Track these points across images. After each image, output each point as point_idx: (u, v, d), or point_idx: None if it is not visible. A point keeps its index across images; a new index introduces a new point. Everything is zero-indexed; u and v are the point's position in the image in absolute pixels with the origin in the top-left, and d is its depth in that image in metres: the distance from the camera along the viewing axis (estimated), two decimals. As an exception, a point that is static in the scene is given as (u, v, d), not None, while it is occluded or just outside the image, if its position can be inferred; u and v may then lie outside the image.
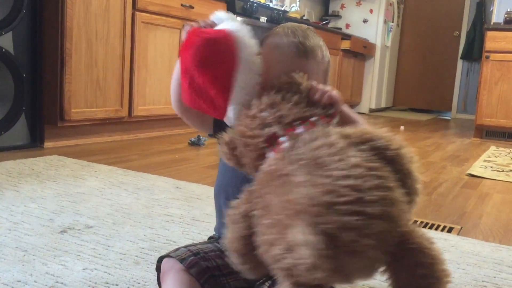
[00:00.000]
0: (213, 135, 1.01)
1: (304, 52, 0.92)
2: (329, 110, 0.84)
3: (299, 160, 0.72)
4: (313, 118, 0.81)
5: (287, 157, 0.74)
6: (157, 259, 0.99)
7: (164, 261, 0.95)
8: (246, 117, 0.84)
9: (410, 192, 0.75)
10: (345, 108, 0.90)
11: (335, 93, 0.86)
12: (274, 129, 0.80)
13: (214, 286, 0.91)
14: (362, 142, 0.75)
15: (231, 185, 0.98)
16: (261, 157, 0.80)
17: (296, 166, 0.71)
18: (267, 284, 0.93)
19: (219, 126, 0.95)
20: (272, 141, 0.80)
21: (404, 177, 0.74)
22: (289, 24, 0.98)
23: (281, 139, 0.79)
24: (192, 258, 0.92)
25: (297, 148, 0.75)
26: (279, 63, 0.91)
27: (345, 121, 0.88)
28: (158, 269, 0.98)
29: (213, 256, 0.95)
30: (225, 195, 0.99)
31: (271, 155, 0.78)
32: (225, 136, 0.85)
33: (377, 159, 0.72)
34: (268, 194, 0.73)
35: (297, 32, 0.94)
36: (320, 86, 0.86)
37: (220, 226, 1.03)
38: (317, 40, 0.96)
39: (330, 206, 0.64)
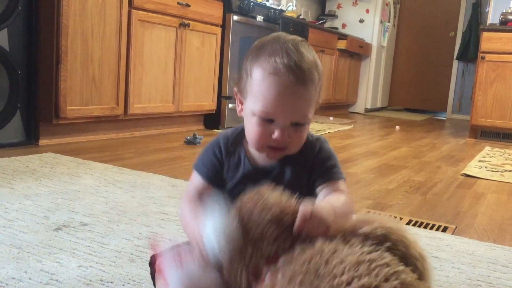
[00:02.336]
0: None
1: (302, 79, 0.86)
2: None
3: (294, 280, 0.66)
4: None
5: (278, 283, 0.68)
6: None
7: (159, 260, 0.94)
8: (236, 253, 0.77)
9: (419, 272, 0.72)
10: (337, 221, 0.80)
11: (323, 223, 0.76)
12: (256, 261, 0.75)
13: None
14: (353, 234, 0.72)
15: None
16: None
17: (295, 287, 0.65)
18: None
19: None
20: (256, 275, 0.75)
21: (407, 257, 0.72)
22: (280, 36, 0.91)
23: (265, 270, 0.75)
24: None
25: (285, 269, 0.69)
26: (276, 95, 0.85)
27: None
28: (151, 264, 0.97)
29: None
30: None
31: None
32: None
33: (373, 247, 0.69)
34: None
35: (290, 51, 0.86)
36: (305, 215, 0.76)
37: None
38: (311, 56, 0.89)
39: None
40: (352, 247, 0.68)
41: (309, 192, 0.95)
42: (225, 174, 0.96)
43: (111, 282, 1.09)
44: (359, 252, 0.67)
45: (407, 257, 0.72)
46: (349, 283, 0.61)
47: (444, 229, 1.71)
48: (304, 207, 0.77)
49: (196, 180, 0.97)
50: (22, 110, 2.60)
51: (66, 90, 2.66)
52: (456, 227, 1.75)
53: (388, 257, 0.67)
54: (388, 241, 0.72)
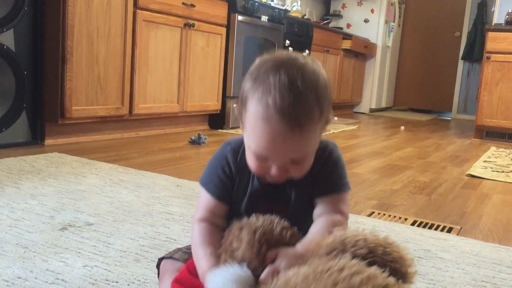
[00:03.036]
0: None
1: (297, 123, 0.76)
2: None
3: None
4: None
5: None
6: (157, 257, 0.99)
7: (163, 262, 0.95)
8: None
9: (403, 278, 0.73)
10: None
11: None
12: None
13: None
14: (330, 251, 0.71)
15: None
16: None
17: None
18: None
19: None
20: None
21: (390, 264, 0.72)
22: (280, 64, 0.79)
23: None
24: (191, 259, 0.92)
25: None
26: (269, 141, 0.78)
27: None
28: (158, 266, 0.98)
29: None
30: None
31: None
32: None
33: (357, 263, 0.68)
34: None
35: (285, 89, 0.76)
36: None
37: None
38: (311, 86, 0.78)
39: None
40: (331, 269, 0.67)
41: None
42: (235, 191, 0.90)
43: (116, 282, 1.09)
44: (316, 264, 0.66)
45: (396, 270, 0.72)
46: None
47: (449, 230, 1.71)
48: (273, 267, 0.74)
49: (205, 198, 0.90)
50: (28, 110, 2.62)
51: (71, 90, 2.67)
52: (461, 228, 1.75)
53: (344, 263, 0.66)
54: (373, 255, 0.72)
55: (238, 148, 0.90)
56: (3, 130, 2.50)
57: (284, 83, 0.76)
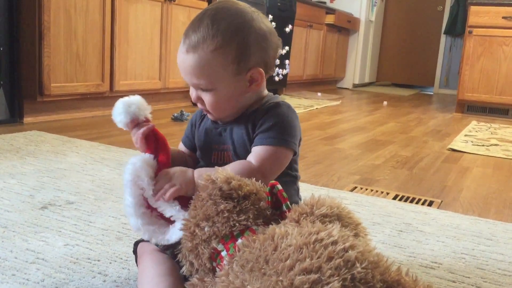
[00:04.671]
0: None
1: (189, 47, 0.90)
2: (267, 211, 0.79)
3: (246, 267, 0.66)
4: (254, 227, 0.76)
5: (232, 272, 0.68)
6: (139, 235, 0.98)
7: (140, 245, 0.94)
8: (187, 233, 0.81)
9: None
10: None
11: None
12: (214, 244, 0.77)
13: None
14: (309, 215, 0.74)
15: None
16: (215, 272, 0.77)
17: (245, 275, 0.65)
18: None
19: None
20: (215, 257, 0.77)
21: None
22: (216, 4, 0.95)
23: (223, 253, 0.76)
24: None
25: (240, 256, 0.70)
26: (178, 62, 0.93)
27: None
28: (135, 252, 0.97)
29: None
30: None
31: (219, 274, 0.72)
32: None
33: (324, 226, 0.69)
34: None
35: (196, 18, 0.92)
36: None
37: None
38: (221, 25, 0.89)
39: None
40: (303, 229, 0.68)
41: None
42: (197, 132, 1.04)
43: (98, 260, 1.08)
44: (306, 233, 0.66)
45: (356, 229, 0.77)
46: (291, 268, 0.61)
47: (430, 204, 1.73)
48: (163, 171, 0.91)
49: (180, 146, 1.10)
50: (5, 87, 2.56)
51: (49, 66, 2.62)
52: (442, 201, 1.77)
53: (337, 234, 0.66)
54: (341, 219, 0.75)
55: None
56: (-20, 108, 2.44)
57: (199, 15, 0.92)
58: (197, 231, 0.79)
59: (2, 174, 1.67)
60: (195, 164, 1.03)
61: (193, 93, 0.95)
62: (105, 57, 2.95)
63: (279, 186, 0.77)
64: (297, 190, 1.04)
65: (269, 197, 0.77)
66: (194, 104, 3.92)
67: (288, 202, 0.78)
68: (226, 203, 0.77)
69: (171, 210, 0.88)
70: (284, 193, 0.77)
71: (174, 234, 0.86)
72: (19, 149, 2.02)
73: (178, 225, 0.85)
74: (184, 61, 0.91)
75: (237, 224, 0.76)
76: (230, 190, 0.78)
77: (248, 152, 0.93)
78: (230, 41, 0.89)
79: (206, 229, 0.78)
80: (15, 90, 2.60)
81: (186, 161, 1.04)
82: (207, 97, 0.93)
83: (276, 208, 0.78)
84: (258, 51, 0.92)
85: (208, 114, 0.98)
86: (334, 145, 2.69)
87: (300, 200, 1.05)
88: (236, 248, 0.73)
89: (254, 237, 0.72)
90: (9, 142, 2.13)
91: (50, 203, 1.43)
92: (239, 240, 0.74)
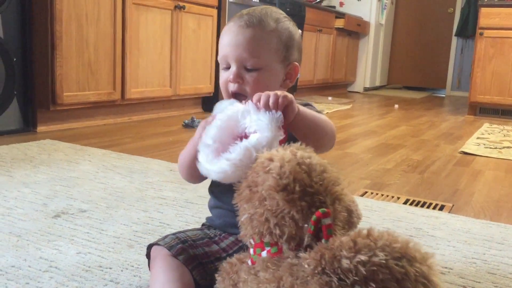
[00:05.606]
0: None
1: (251, 23, 0.94)
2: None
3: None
4: (284, 246, 0.72)
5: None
6: (150, 242, 0.99)
7: (153, 249, 0.95)
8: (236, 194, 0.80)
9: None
10: (302, 108, 0.87)
11: (281, 93, 0.81)
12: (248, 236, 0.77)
13: (203, 273, 0.91)
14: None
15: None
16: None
17: None
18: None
19: None
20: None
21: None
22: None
23: (250, 250, 0.77)
24: (180, 245, 0.92)
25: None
26: (228, 37, 0.95)
27: (306, 121, 0.87)
28: (148, 255, 0.99)
29: (201, 244, 0.95)
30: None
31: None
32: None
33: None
34: None
35: (249, 10, 0.98)
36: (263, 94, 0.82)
37: (213, 203, 1.05)
38: (274, 15, 0.98)
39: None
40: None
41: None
42: None
43: (110, 268, 1.10)
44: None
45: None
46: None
47: (441, 208, 1.72)
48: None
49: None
50: (19, 97, 2.60)
51: (62, 76, 2.65)
52: (453, 205, 1.76)
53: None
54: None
55: None
56: (-5, 118, 2.48)
57: (251, 10, 0.98)
58: (242, 203, 0.76)
59: (16, 183, 1.70)
60: None
61: (233, 71, 0.94)
62: (116, 66, 2.99)
63: (328, 220, 0.68)
64: None
65: (313, 226, 0.69)
66: (205, 111, 3.94)
67: (330, 240, 0.67)
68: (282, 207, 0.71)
69: (264, 115, 0.79)
70: (330, 230, 0.68)
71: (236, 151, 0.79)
72: (33, 158, 2.05)
73: (253, 139, 0.79)
74: (238, 35, 0.93)
75: (271, 234, 0.72)
76: (301, 191, 0.71)
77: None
78: (283, 28, 0.97)
79: (244, 216, 0.75)
80: (29, 99, 2.64)
81: None
82: (250, 77, 0.94)
83: (317, 238, 0.69)
84: (298, 49, 1.01)
85: (233, 81, 0.95)
86: (344, 149, 2.69)
87: None
88: (258, 260, 0.73)
89: (269, 264, 0.71)
90: (23, 151, 2.17)
91: (63, 211, 1.45)
92: (263, 253, 0.73)
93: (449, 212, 1.67)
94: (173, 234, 0.97)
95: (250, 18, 0.94)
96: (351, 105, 5.00)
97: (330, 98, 5.51)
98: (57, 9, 2.57)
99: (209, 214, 1.07)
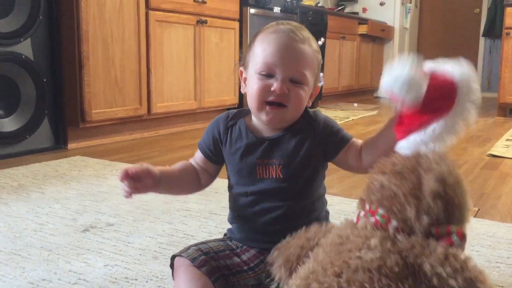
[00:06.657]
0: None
1: (301, 38, 0.95)
2: None
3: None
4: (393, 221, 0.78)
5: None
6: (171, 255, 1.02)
7: (176, 259, 0.98)
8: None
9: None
10: None
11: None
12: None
13: (224, 284, 0.93)
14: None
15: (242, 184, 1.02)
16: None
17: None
18: (275, 282, 0.94)
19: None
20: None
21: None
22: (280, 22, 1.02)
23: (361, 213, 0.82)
24: (202, 257, 0.94)
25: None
26: (277, 47, 0.93)
27: None
28: (172, 266, 1.02)
29: (222, 256, 0.97)
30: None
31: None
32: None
33: None
34: None
35: (290, 23, 0.99)
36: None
37: (232, 217, 1.07)
38: (310, 35, 1.00)
39: None
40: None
41: (318, 163, 1.00)
42: (227, 149, 1.03)
43: (135, 279, 1.14)
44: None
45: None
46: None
47: (466, 212, 1.70)
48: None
49: (197, 155, 1.09)
50: (50, 116, 2.70)
51: (90, 94, 2.74)
52: (479, 209, 1.74)
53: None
54: None
55: (231, 112, 1.05)
56: (27, 137, 2.58)
57: (287, 25, 0.98)
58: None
59: (47, 199, 1.77)
60: (208, 177, 1.09)
61: (280, 80, 0.93)
62: (141, 81, 3.06)
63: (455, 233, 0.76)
64: (326, 203, 1.07)
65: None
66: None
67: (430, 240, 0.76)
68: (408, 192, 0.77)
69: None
70: (457, 239, 0.76)
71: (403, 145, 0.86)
72: (64, 175, 2.13)
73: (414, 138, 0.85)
74: (290, 47, 0.94)
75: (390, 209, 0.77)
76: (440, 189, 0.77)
77: (296, 164, 0.97)
78: (319, 52, 1.01)
79: (377, 182, 0.80)
80: (59, 118, 2.74)
81: (197, 175, 1.08)
82: (296, 91, 0.94)
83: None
84: (319, 74, 1.02)
85: (274, 110, 0.95)
86: (369, 156, 2.68)
87: (328, 213, 1.08)
88: (362, 219, 0.80)
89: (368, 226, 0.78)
90: (54, 168, 2.25)
91: (91, 225, 1.51)
92: (371, 219, 0.78)
93: (475, 216, 1.65)
94: (195, 245, 1.00)
95: (301, 35, 0.96)
96: (377, 111, 4.97)
97: (355, 104, 5.49)
98: (83, 30, 2.67)
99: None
